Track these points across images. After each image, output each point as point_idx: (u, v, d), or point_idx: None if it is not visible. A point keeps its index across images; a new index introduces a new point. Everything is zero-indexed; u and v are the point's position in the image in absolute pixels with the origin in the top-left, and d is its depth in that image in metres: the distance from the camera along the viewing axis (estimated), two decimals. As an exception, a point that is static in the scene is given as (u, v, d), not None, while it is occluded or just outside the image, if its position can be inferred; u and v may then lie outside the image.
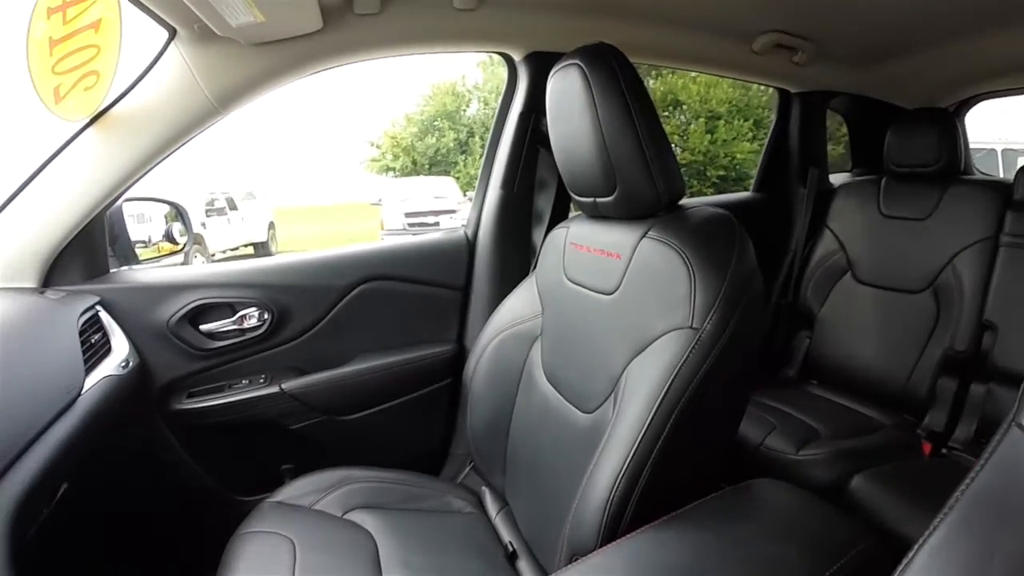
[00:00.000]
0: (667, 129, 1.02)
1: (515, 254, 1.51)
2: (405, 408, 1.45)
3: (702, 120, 13.96)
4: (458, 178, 13.95)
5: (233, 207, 10.52)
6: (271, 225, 11.77)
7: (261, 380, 1.36)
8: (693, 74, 12.51)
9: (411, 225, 9.61)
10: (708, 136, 13.81)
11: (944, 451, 1.44)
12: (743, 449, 1.43)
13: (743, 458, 1.42)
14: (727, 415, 0.86)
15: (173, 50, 1.13)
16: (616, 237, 0.92)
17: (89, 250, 1.25)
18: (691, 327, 0.76)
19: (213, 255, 9.52)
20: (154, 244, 1.63)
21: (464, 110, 17.89)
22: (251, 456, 1.43)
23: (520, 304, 1.15)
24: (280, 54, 1.19)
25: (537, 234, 1.52)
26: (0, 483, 0.75)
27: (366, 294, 1.43)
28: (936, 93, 2.02)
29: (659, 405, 0.74)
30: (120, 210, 1.37)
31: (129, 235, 1.43)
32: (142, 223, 1.65)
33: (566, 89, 0.91)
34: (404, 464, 1.26)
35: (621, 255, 0.89)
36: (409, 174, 15.98)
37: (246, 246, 11.01)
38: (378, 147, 17.53)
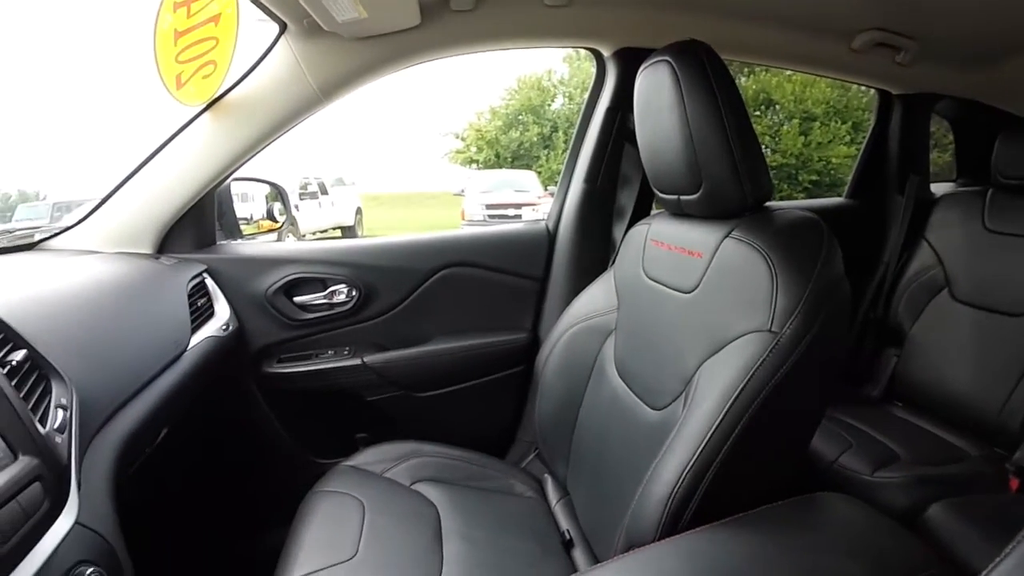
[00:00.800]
0: (758, 129, 1.00)
1: (594, 248, 1.51)
2: (477, 391, 1.50)
3: (796, 121, 13.28)
4: (540, 172, 13.91)
5: (324, 192, 11.04)
6: (358, 210, 12.26)
7: (345, 352, 1.46)
8: (788, 73, 11.92)
9: (491, 217, 9.68)
10: (802, 138, 13.12)
11: None
12: (815, 465, 1.37)
13: (815, 474, 1.37)
14: (800, 425, 0.83)
15: (283, 43, 1.22)
16: (698, 236, 0.91)
17: (199, 223, 1.39)
18: (770, 331, 0.75)
19: (304, 236, 10.03)
20: (255, 221, 1.77)
21: (549, 105, 17.80)
22: (330, 422, 1.52)
23: (596, 298, 1.16)
24: (380, 48, 1.25)
25: (617, 229, 1.52)
26: (112, 422, 0.85)
27: (448, 278, 1.49)
28: (1055, 99, 1.85)
29: (730, 407, 0.73)
30: (228, 188, 1.50)
31: (234, 211, 1.57)
32: (245, 202, 1.80)
33: (655, 85, 0.90)
34: (471, 444, 1.31)
35: (702, 254, 0.88)
36: (492, 167, 16.11)
37: (334, 229, 11.52)
38: (463, 139, 17.78)
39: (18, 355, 0.70)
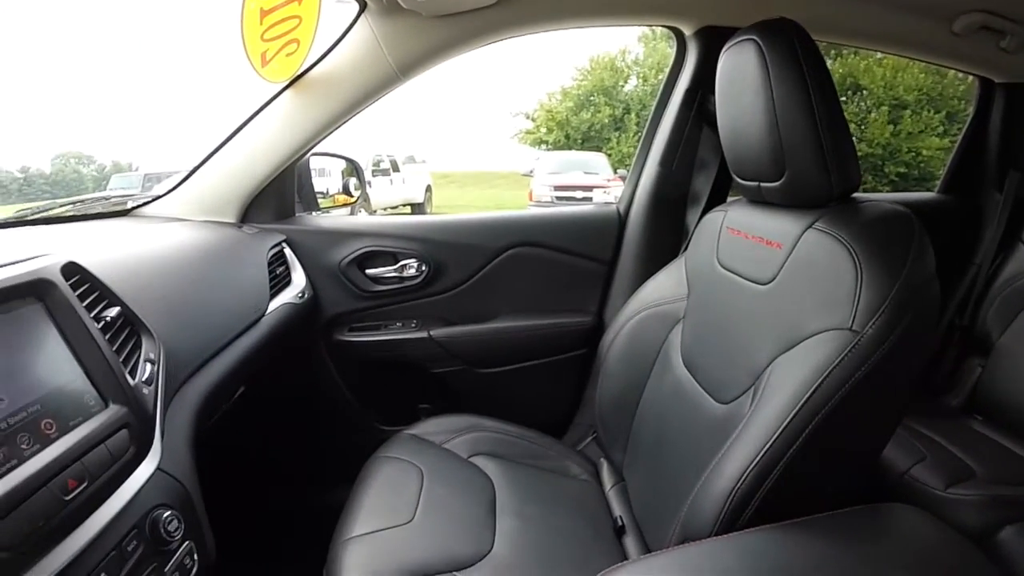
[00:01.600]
0: (843, 116, 0.95)
1: (666, 234, 1.48)
2: (538, 370, 1.51)
3: (885, 109, 12.47)
4: (610, 155, 13.62)
5: (396, 169, 11.27)
6: (428, 188, 12.47)
7: (413, 325, 1.50)
8: (878, 56, 11.13)
9: (559, 199, 9.61)
10: (890, 127, 12.31)
11: None
12: (885, 474, 1.30)
13: (884, 484, 1.30)
14: (873, 431, 0.79)
15: (363, 21, 1.24)
16: (778, 225, 0.87)
17: (280, 195, 1.45)
18: (850, 329, 0.71)
19: (375, 212, 10.30)
20: (331, 196, 1.83)
21: (621, 86, 17.35)
22: (394, 391, 1.57)
23: (666, 284, 1.14)
24: (458, 26, 1.25)
25: (691, 215, 1.48)
26: (194, 377, 0.91)
27: (516, 257, 1.49)
28: None
29: (802, 406, 0.70)
30: (307, 163, 1.55)
31: (313, 185, 1.64)
32: (322, 176, 1.86)
33: (739, 65, 0.86)
34: (530, 423, 1.32)
35: (782, 245, 0.84)
36: (561, 148, 15.93)
37: (404, 205, 11.78)
38: (533, 119, 17.65)
39: (112, 312, 0.75)
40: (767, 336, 0.81)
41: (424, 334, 1.47)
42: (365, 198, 9.40)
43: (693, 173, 1.48)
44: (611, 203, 1.60)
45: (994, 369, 1.54)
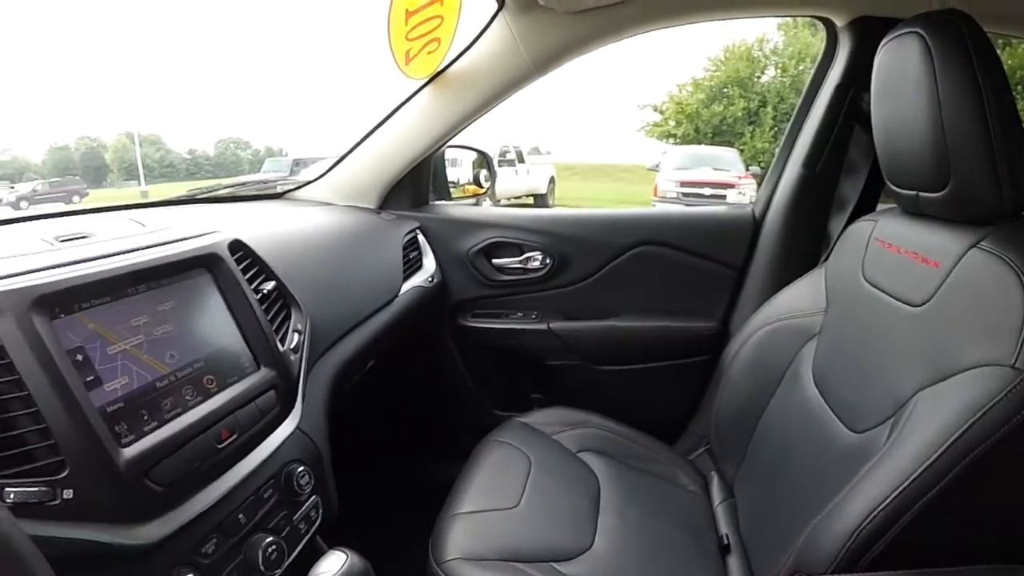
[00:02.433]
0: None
1: (805, 241, 1.38)
2: (656, 373, 1.48)
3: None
4: (742, 150, 12.81)
5: (521, 160, 11.45)
6: (552, 179, 12.54)
7: (533, 316, 1.53)
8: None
9: (685, 195, 9.23)
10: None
11: None
12: None
13: None
14: None
15: (500, 19, 1.27)
16: (937, 241, 0.78)
17: (416, 184, 1.54)
18: (1012, 366, 0.62)
19: (499, 201, 10.53)
20: (461, 185, 1.90)
21: (758, 77, 16.28)
22: (510, 378, 1.62)
23: (802, 296, 1.06)
24: (594, 21, 1.25)
25: (835, 223, 1.37)
26: (334, 348, 1.01)
27: (641, 256, 1.47)
28: None
29: (948, 447, 0.63)
30: (442, 154, 1.63)
31: (446, 175, 1.72)
32: (454, 167, 1.93)
33: (900, 61, 0.79)
34: (641, 425, 1.31)
35: (940, 263, 0.75)
36: (690, 142, 15.29)
37: (528, 196, 11.94)
38: (661, 112, 17.08)
39: (268, 285, 0.84)
40: (914, 363, 0.73)
41: (544, 326, 1.50)
42: (493, 188, 9.65)
43: (840, 177, 1.36)
44: (745, 205, 1.52)
45: None
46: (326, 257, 1.13)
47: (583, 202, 12.84)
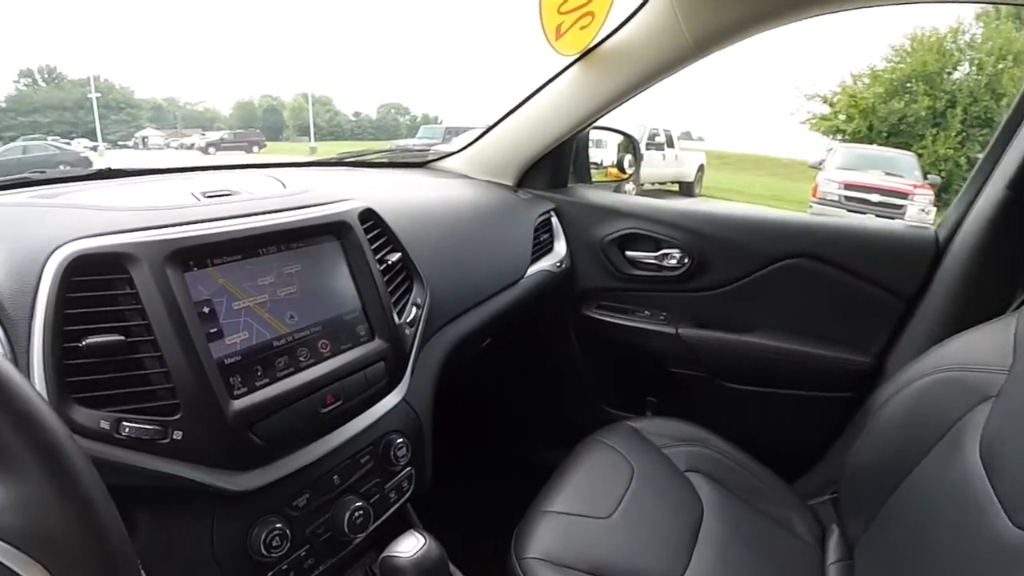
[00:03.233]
0: None
1: (998, 278, 1.15)
2: (789, 401, 1.33)
3: None
4: (921, 155, 11.22)
5: (671, 144, 11.02)
6: (700, 167, 11.97)
7: (661, 317, 1.44)
8: None
9: (848, 199, 8.35)
10: None
11: None
12: None
13: None
14: None
15: None
16: None
17: (556, 164, 1.49)
18: None
19: (642, 185, 10.24)
20: (604, 167, 1.83)
21: (948, 74, 14.12)
22: (627, 377, 1.55)
23: (983, 345, 0.86)
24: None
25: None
26: (451, 324, 1.01)
27: (793, 269, 1.31)
28: None
29: None
30: (586, 135, 1.57)
31: (589, 157, 1.66)
32: (598, 148, 1.86)
33: None
34: (762, 455, 1.18)
35: None
36: (861, 140, 13.72)
37: (673, 183, 11.50)
38: (831, 104, 15.47)
39: (394, 256, 0.84)
40: None
41: (671, 330, 1.40)
42: (638, 174, 9.39)
43: None
44: (927, 226, 1.30)
45: None
46: (456, 231, 1.13)
47: (732, 194, 12.15)
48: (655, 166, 10.47)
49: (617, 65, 1.26)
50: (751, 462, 1.15)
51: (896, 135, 13.75)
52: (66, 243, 0.57)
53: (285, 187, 0.84)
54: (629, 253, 1.44)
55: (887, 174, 8.76)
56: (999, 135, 1.18)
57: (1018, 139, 1.12)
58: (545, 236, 1.38)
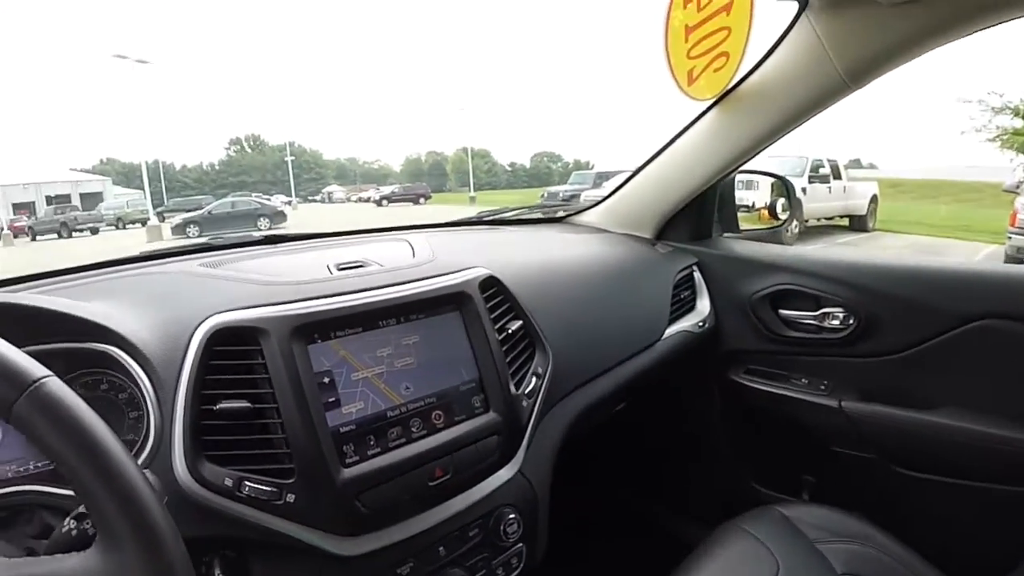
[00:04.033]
0: None
1: None
2: (979, 496, 1.08)
3: None
4: None
5: (837, 175, 10.12)
6: (873, 199, 10.80)
7: (822, 387, 1.24)
8: None
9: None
10: None
11: None
12: None
13: None
14: None
15: (803, 23, 1.06)
16: None
17: (698, 214, 1.40)
18: None
19: (807, 221, 9.45)
20: (756, 210, 1.69)
21: None
22: (778, 451, 1.36)
23: None
24: (932, 13, 0.94)
25: None
26: (576, 392, 0.95)
27: (985, 333, 1.06)
28: None
29: None
30: (732, 180, 1.44)
31: (735, 205, 1.51)
32: (748, 189, 1.73)
33: None
34: (938, 562, 0.94)
35: None
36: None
37: (843, 217, 10.49)
38: (1025, 116, 13.11)
39: (515, 325, 0.83)
40: None
41: (833, 402, 1.20)
42: (795, 210, 8.69)
43: None
44: None
45: None
46: (587, 291, 1.08)
47: (911, 226, 10.81)
48: (820, 200, 9.63)
49: (761, 105, 1.16)
50: (927, 569, 0.93)
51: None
52: (211, 316, 0.64)
53: (414, 255, 0.87)
54: (783, 312, 1.28)
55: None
56: None
57: None
58: (686, 293, 1.29)
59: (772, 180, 1.61)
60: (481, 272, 0.82)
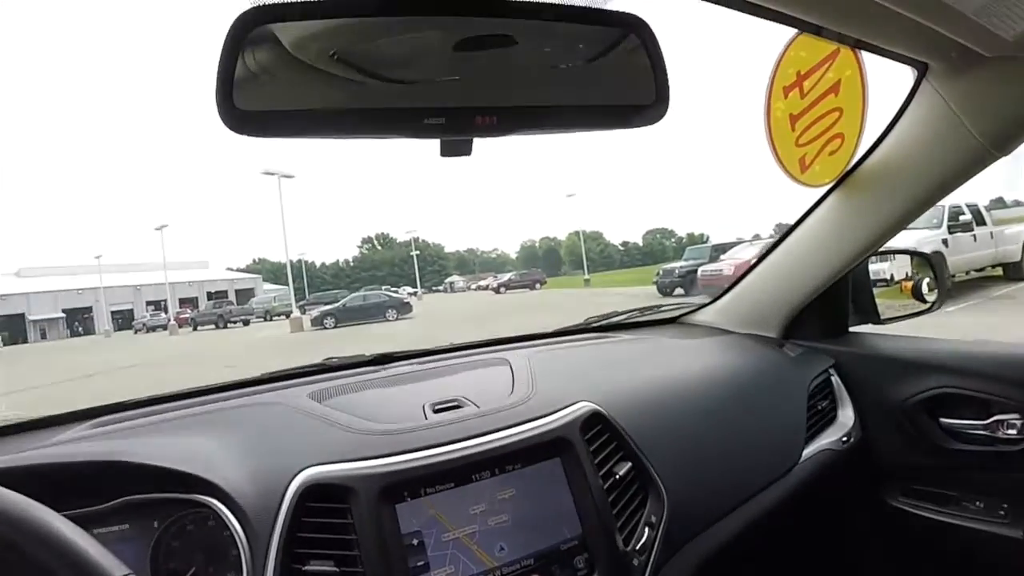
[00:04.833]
0: None
1: None
2: None
3: None
4: None
5: (980, 221, 9.00)
6: (1028, 241, 9.42)
7: (1000, 512, 1.02)
8: None
9: None
10: None
11: None
12: None
13: None
14: None
15: (925, 89, 0.94)
16: None
17: (830, 308, 1.24)
18: None
19: (953, 276, 8.41)
20: (896, 283, 1.47)
21: None
22: None
23: None
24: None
25: None
26: (698, 539, 0.82)
27: None
28: None
29: None
30: (865, 266, 1.28)
31: (871, 290, 1.32)
32: (882, 259, 1.52)
33: None
34: None
35: None
36: None
37: (994, 267, 9.24)
38: None
39: (623, 468, 0.74)
40: None
41: (1017, 532, 0.98)
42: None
43: None
44: None
45: None
46: (709, 412, 0.96)
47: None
48: (966, 251, 8.58)
49: (891, 183, 1.04)
50: None
51: None
52: (305, 469, 0.63)
53: (512, 388, 0.83)
54: (945, 420, 1.07)
55: None
56: None
57: None
58: (824, 403, 1.12)
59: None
60: (584, 409, 0.76)
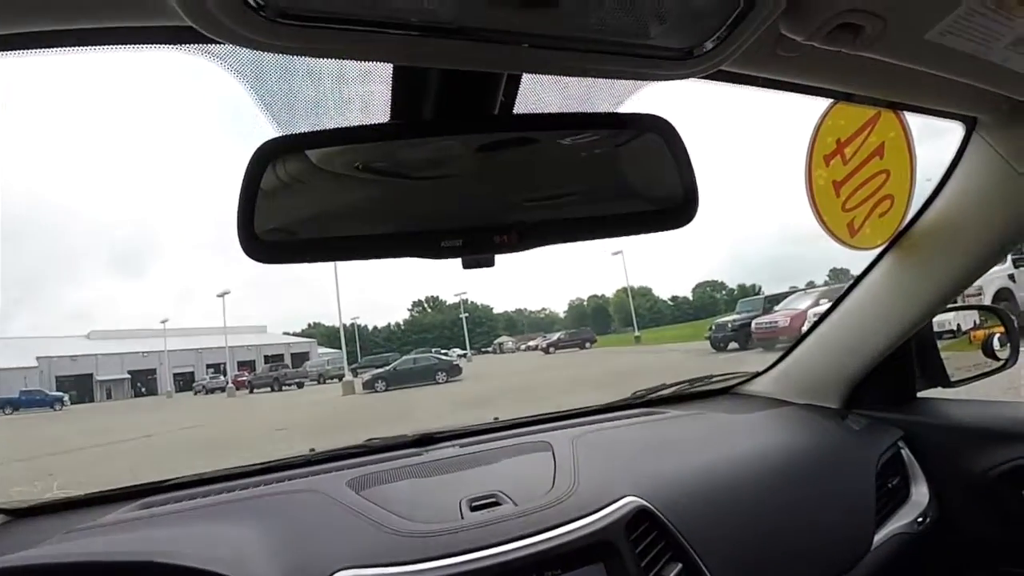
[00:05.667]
0: None
1: None
2: None
3: None
4: None
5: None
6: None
7: None
8: None
9: None
10: None
11: None
12: None
13: None
14: None
15: (976, 143, 0.92)
16: None
17: (895, 373, 1.17)
18: None
19: (1021, 314, 7.81)
20: (964, 333, 1.38)
21: None
22: None
23: None
24: None
25: None
26: None
27: None
28: None
29: None
30: (930, 327, 1.19)
31: (939, 350, 1.23)
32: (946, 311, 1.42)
33: None
34: None
35: None
36: None
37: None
38: None
39: (674, 571, 0.70)
40: None
41: None
42: (1006, 298, 7.20)
43: None
44: None
45: None
46: (766, 498, 0.90)
47: None
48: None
49: (950, 240, 0.99)
50: None
51: None
52: (336, 572, 0.62)
53: (553, 481, 0.79)
54: None
55: None
56: None
57: None
58: (895, 480, 1.03)
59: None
60: (630, 506, 0.72)
